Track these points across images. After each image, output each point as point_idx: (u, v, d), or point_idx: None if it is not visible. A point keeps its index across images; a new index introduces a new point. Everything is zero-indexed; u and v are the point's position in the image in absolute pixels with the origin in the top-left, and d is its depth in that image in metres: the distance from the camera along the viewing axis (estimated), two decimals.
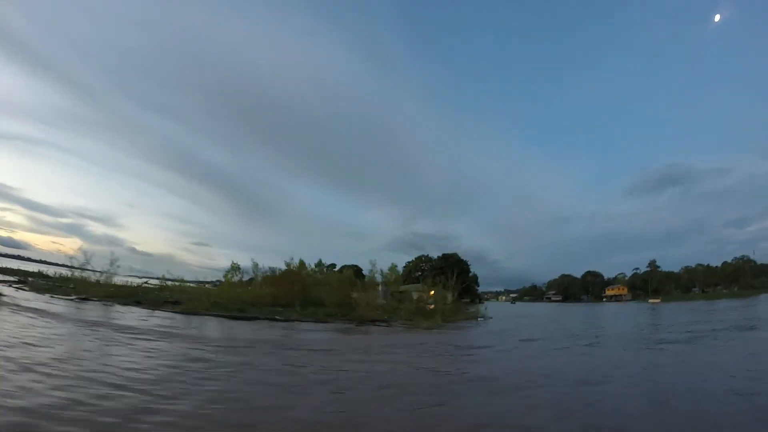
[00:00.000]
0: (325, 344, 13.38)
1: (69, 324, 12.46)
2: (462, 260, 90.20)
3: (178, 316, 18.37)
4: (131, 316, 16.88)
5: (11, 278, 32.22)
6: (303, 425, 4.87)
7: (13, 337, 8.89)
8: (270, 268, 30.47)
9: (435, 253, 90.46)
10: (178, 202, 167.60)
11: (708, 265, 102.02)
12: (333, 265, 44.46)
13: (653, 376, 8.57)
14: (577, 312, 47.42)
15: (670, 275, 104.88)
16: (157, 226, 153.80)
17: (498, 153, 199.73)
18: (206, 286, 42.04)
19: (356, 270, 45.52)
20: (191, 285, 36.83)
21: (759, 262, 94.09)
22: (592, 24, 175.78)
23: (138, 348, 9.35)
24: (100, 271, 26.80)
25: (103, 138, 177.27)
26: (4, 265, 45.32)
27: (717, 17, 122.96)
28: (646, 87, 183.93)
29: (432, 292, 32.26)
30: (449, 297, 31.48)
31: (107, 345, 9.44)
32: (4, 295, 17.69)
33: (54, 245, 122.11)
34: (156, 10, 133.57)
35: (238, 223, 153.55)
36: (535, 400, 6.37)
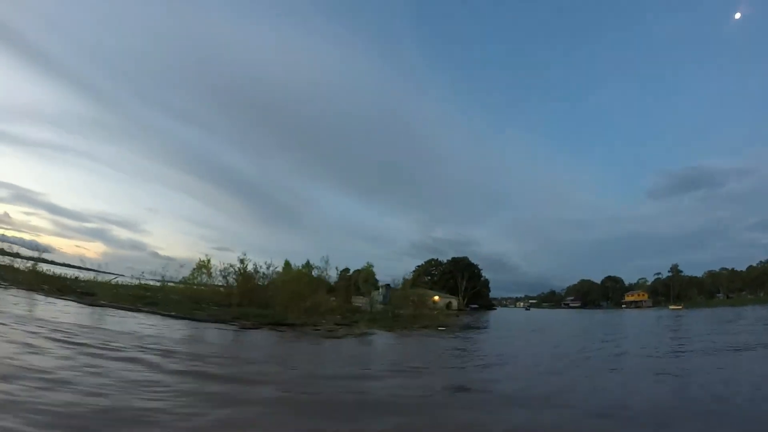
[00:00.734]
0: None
1: None
2: (472, 264, 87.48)
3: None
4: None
5: None
6: None
7: None
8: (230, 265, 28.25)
9: None
10: (198, 207, 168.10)
11: (732, 269, 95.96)
12: (347, 270, 44.20)
13: None
14: (591, 320, 43.51)
15: (692, 280, 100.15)
16: (179, 231, 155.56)
17: (520, 157, 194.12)
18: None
19: (367, 271, 44.78)
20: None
21: None
22: (615, 27, 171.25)
23: None
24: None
25: (123, 144, 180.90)
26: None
27: (737, 15, 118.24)
28: (667, 87, 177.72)
29: (437, 298, 31.46)
30: (454, 303, 30.69)
31: None
32: None
33: (78, 249, 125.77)
34: (172, 17, 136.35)
35: (259, 227, 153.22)
36: None
